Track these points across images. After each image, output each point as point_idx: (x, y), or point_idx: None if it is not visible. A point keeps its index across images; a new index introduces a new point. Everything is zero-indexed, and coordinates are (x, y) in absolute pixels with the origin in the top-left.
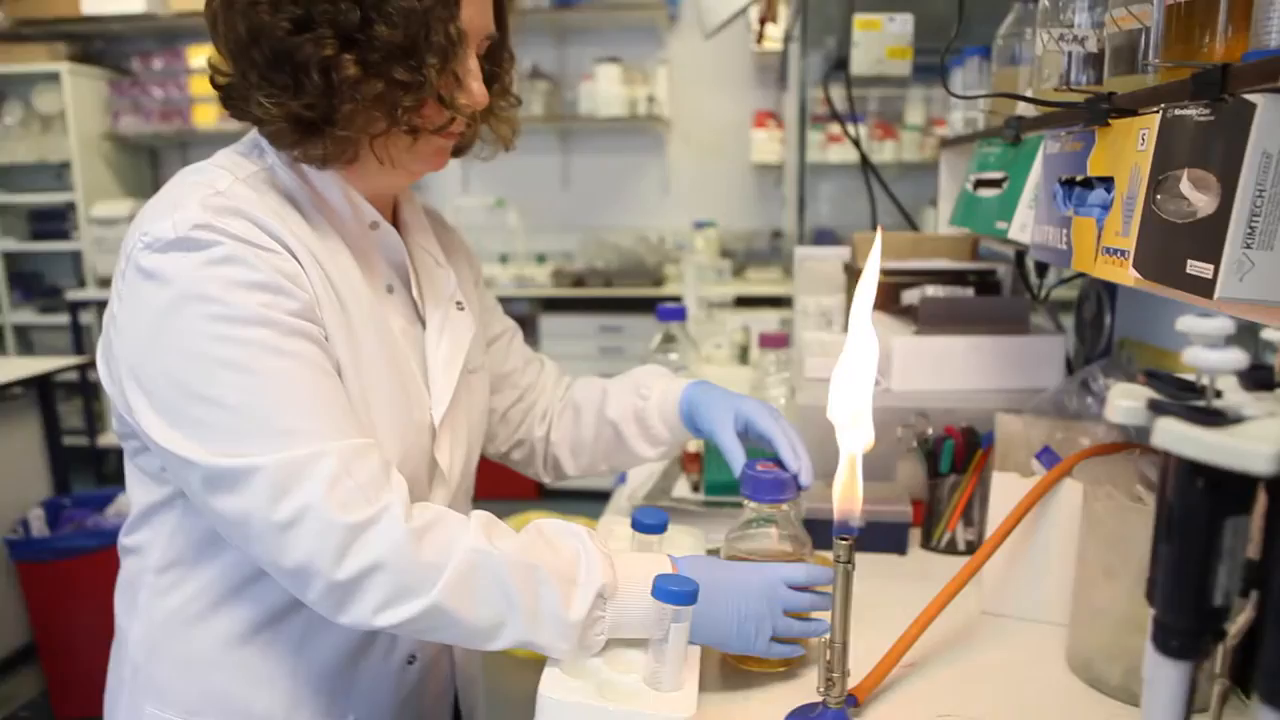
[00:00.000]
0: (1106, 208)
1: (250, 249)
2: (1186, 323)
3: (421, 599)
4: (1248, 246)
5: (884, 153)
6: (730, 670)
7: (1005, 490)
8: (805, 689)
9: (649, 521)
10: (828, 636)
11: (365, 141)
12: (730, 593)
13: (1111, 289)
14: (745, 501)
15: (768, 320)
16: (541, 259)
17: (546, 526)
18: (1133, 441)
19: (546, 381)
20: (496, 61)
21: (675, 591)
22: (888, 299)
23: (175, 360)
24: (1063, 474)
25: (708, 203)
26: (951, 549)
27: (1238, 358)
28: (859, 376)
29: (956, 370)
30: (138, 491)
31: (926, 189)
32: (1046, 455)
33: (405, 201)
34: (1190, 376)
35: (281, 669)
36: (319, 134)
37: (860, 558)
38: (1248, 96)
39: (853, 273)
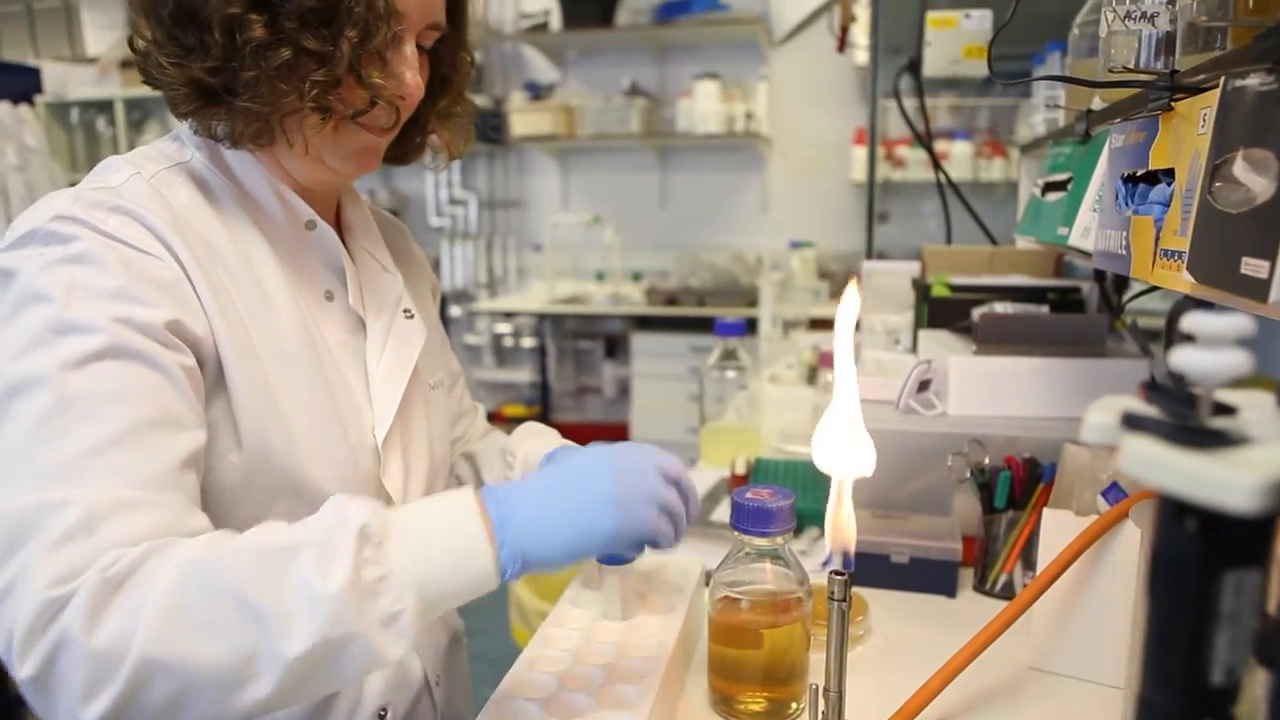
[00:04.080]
0: (1166, 204)
1: (114, 248)
2: (1193, 320)
3: (124, 663)
4: None
5: (992, 172)
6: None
7: (1056, 530)
8: None
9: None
10: (822, 683)
11: (276, 120)
12: (580, 465)
13: (1207, 306)
14: (735, 534)
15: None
16: (638, 276)
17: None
18: None
19: (473, 435)
20: (450, 63)
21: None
22: (957, 317)
23: (3, 364)
24: (1121, 515)
25: (807, 222)
26: (1008, 594)
27: (1235, 361)
28: (844, 398)
29: (1021, 394)
30: None
31: None
32: (1114, 492)
33: (350, 203)
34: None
35: None
36: (219, 103)
37: (905, 599)
38: None
39: (920, 288)
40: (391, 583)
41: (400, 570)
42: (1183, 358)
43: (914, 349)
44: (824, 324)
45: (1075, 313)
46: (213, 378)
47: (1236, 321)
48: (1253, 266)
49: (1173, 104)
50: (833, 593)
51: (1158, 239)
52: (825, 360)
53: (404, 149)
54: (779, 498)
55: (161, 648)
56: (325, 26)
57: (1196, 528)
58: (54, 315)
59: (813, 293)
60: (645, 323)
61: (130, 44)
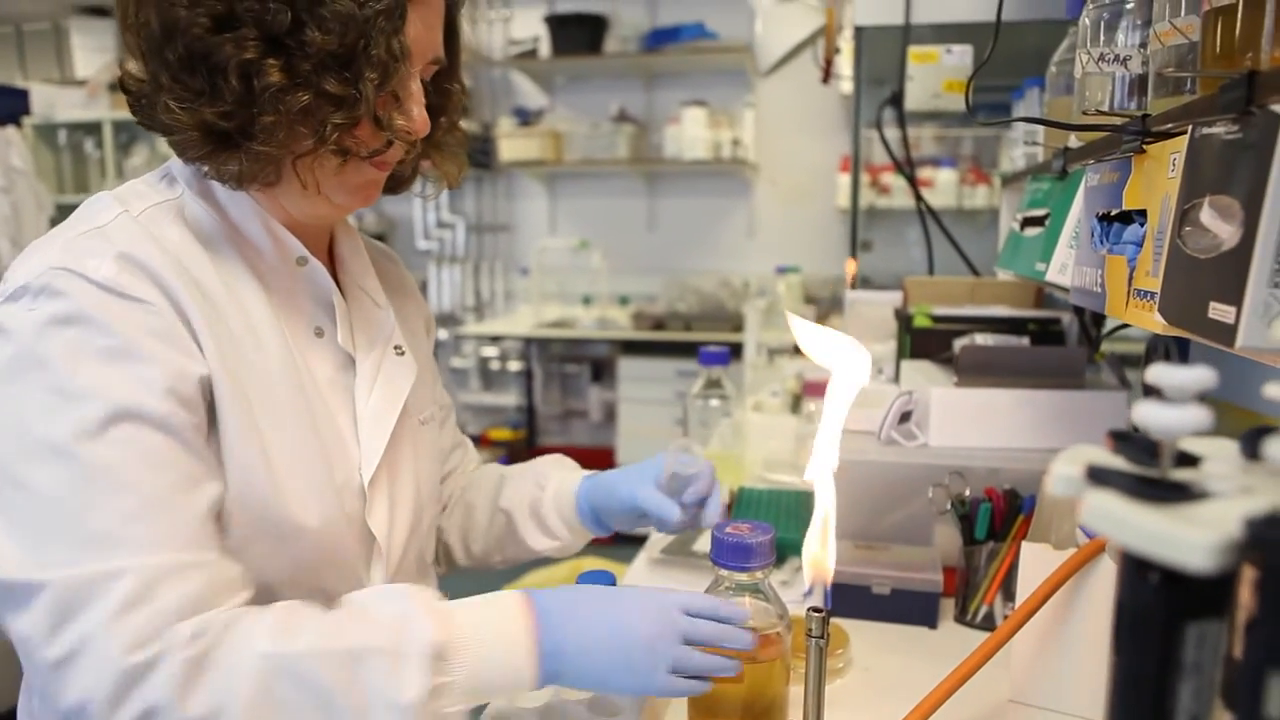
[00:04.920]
0: (1139, 244)
1: (110, 302)
2: (1157, 372)
3: None
4: (1276, 285)
5: (976, 199)
6: None
7: (1034, 563)
8: None
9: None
10: None
11: (287, 161)
12: (615, 617)
13: (1183, 341)
14: (715, 569)
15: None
16: (625, 301)
17: (359, 597)
18: None
19: (466, 467)
20: (444, 92)
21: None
22: (939, 347)
23: (13, 431)
24: (1098, 549)
25: (794, 247)
26: (989, 625)
27: (1196, 417)
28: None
29: (1001, 426)
30: None
31: None
32: None
33: (343, 235)
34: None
35: None
36: (234, 147)
37: (886, 630)
38: (1276, 108)
39: (903, 318)
40: (452, 694)
41: (460, 683)
42: (1144, 413)
43: (896, 379)
44: None
45: (1055, 344)
46: (208, 419)
47: (1198, 375)
48: (1220, 311)
49: (1144, 147)
50: (810, 629)
51: (1131, 278)
52: (809, 389)
53: (397, 180)
54: (758, 533)
55: None
56: (345, 69)
57: (1159, 581)
58: (57, 383)
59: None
60: (632, 347)
61: (123, 86)
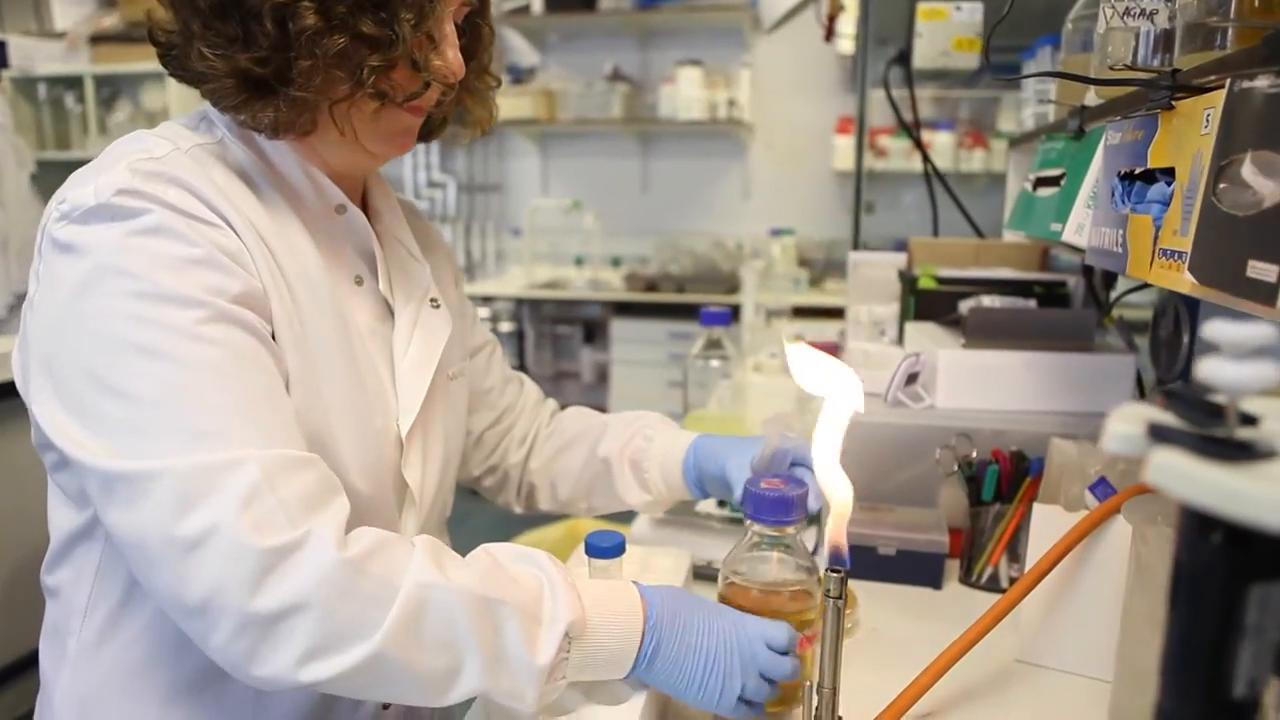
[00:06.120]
0: (1166, 203)
1: (185, 219)
2: (1218, 329)
3: (360, 646)
4: None
5: (973, 162)
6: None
7: (1046, 524)
8: None
9: (604, 545)
10: (815, 680)
11: (324, 107)
12: (704, 639)
13: (1192, 303)
14: (747, 523)
15: (828, 330)
16: (617, 262)
17: (501, 553)
18: None
19: (526, 403)
20: (476, 35)
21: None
22: (944, 309)
23: (86, 344)
24: (1111, 511)
25: (788, 209)
26: (993, 586)
27: (1266, 372)
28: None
29: (1008, 388)
30: (58, 517)
31: None
32: (1102, 487)
33: (376, 186)
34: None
35: None
36: (270, 94)
37: (890, 590)
38: None
39: (907, 280)
40: (564, 670)
41: (574, 662)
42: (1213, 369)
43: (900, 341)
44: (806, 312)
45: (1061, 306)
46: None
47: (1260, 331)
48: (1260, 270)
49: (1174, 103)
50: (829, 590)
51: (1157, 238)
52: None
53: (429, 127)
54: (794, 487)
55: (394, 647)
56: (380, 10)
57: (1222, 540)
58: (143, 289)
59: (792, 280)
60: (624, 309)
61: (151, 36)
